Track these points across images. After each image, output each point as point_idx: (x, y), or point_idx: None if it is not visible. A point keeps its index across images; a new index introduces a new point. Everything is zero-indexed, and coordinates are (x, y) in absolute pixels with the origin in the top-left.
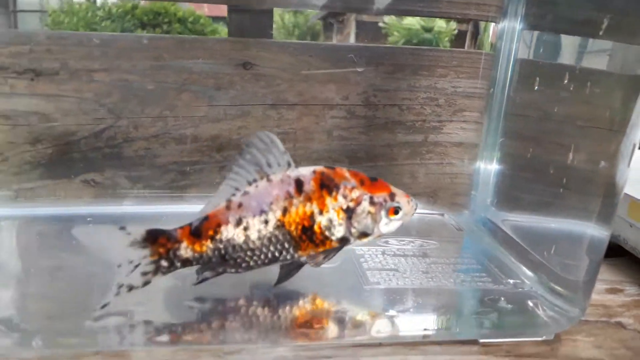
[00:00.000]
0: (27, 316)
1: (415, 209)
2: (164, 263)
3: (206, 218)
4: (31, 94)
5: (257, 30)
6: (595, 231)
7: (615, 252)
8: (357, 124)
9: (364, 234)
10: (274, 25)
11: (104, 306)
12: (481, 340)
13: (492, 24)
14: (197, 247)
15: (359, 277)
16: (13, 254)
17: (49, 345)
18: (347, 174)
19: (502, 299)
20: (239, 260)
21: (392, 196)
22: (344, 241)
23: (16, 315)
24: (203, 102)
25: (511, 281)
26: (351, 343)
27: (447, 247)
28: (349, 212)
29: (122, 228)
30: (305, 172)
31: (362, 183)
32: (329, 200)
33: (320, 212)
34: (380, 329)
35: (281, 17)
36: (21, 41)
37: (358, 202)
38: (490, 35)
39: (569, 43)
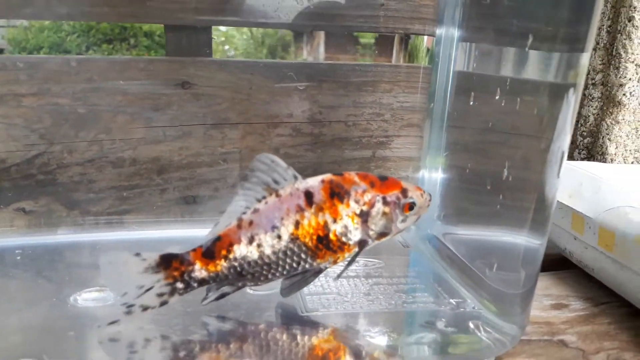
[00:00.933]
0: None
1: (430, 201)
2: (180, 285)
3: (218, 238)
4: None
5: (195, 48)
6: (529, 243)
7: (563, 265)
8: (303, 141)
9: (382, 235)
10: (243, 37)
11: (112, 323)
12: None
13: (425, 37)
14: (211, 268)
15: (297, 304)
16: None
17: None
18: (356, 178)
19: (442, 320)
20: (256, 274)
21: (404, 192)
22: (363, 244)
23: None
24: (140, 123)
25: (453, 301)
26: None
27: (392, 266)
28: (364, 216)
29: (137, 254)
30: (314, 182)
31: (372, 185)
32: (341, 208)
33: (334, 221)
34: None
35: (250, 28)
36: None
37: (371, 205)
38: (425, 46)
39: (500, 54)
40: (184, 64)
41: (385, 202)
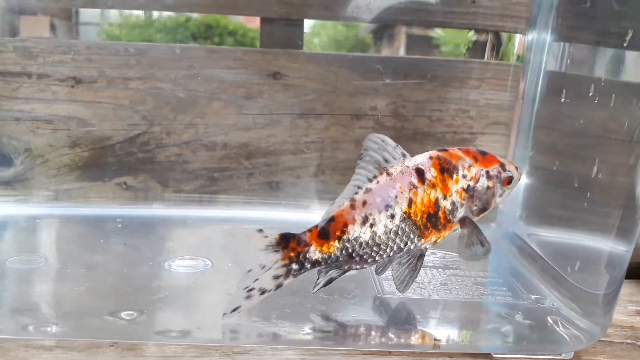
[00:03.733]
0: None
1: (522, 174)
2: (295, 266)
3: (332, 219)
4: (71, 100)
5: (287, 41)
6: (616, 246)
7: None
8: (385, 134)
9: (483, 210)
10: (325, 38)
11: (235, 310)
12: (494, 355)
13: (518, 35)
14: (325, 249)
15: (375, 286)
16: (52, 251)
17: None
18: (460, 153)
19: (520, 313)
20: (365, 256)
21: (502, 166)
22: (465, 220)
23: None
24: (233, 110)
25: (532, 296)
26: (360, 351)
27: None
28: (470, 191)
29: (260, 230)
30: (423, 159)
31: (476, 159)
32: (451, 184)
33: (444, 197)
34: (391, 338)
35: (334, 28)
36: (63, 50)
37: (477, 179)
38: (517, 46)
39: (596, 55)
40: (276, 55)
41: (488, 176)
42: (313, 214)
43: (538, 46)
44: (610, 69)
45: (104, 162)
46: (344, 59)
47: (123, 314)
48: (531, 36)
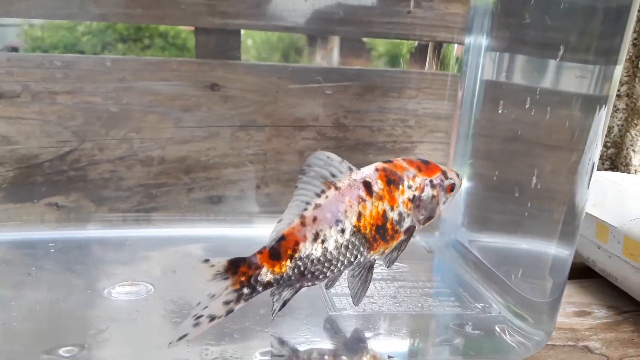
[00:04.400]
0: None
1: (462, 180)
2: (246, 290)
3: (282, 238)
4: None
5: (224, 51)
6: (558, 252)
7: (586, 274)
8: (328, 145)
9: (429, 218)
10: (257, 41)
11: (181, 338)
12: None
13: (455, 45)
14: (277, 269)
15: (325, 304)
16: None
17: None
18: (405, 164)
19: (469, 324)
20: (316, 272)
21: (445, 174)
22: (411, 230)
23: None
24: (170, 123)
25: (479, 305)
26: None
27: (416, 270)
28: (416, 201)
29: (206, 260)
30: (369, 171)
31: (419, 169)
32: (397, 195)
33: (392, 208)
34: (342, 357)
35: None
36: None
37: (422, 189)
38: (454, 56)
39: (531, 65)
40: (213, 66)
41: (432, 185)
42: (257, 229)
43: (474, 56)
44: (545, 79)
45: (31, 181)
46: (284, 70)
47: (61, 351)
48: (468, 46)
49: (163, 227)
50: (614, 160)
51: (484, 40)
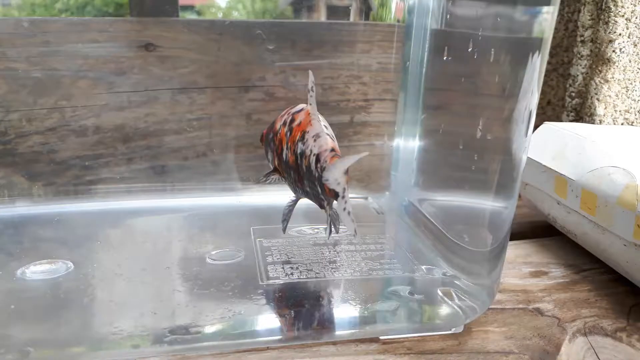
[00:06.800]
0: None
1: None
2: None
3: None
4: None
5: (159, 8)
6: (496, 205)
7: (547, 232)
8: (277, 106)
9: None
10: (243, 10)
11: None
12: (382, 338)
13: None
14: None
15: (259, 273)
16: None
17: None
18: None
19: (410, 288)
20: None
21: None
22: None
23: None
24: (103, 89)
25: (423, 267)
26: (234, 348)
27: (362, 233)
28: None
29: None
30: None
31: None
32: None
33: None
34: (268, 330)
35: (252, 3)
36: None
37: None
38: (393, 9)
39: (474, 10)
40: (147, 24)
41: None
42: (204, 199)
43: (421, 5)
44: (482, 24)
45: None
46: (222, 25)
47: None
48: None
49: (102, 200)
50: (579, 111)
51: None
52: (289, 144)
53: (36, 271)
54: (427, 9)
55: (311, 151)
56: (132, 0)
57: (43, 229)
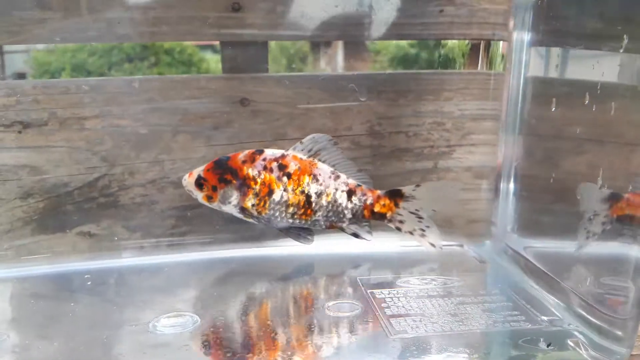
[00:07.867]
0: None
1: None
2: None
3: None
4: (19, 147)
5: (252, 64)
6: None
7: None
8: (362, 154)
9: None
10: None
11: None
12: None
13: (501, 42)
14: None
15: (383, 326)
16: (15, 321)
17: None
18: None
19: (542, 339)
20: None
21: None
22: None
23: None
24: (200, 142)
25: (545, 318)
26: None
27: (471, 283)
28: None
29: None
30: None
31: None
32: None
33: None
34: None
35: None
36: (6, 93)
37: None
38: (500, 50)
39: (581, 57)
40: (242, 80)
41: None
42: (289, 247)
43: (517, 52)
44: (600, 71)
45: (62, 211)
46: (314, 80)
47: None
48: (510, 41)
49: (197, 250)
50: None
51: (526, 35)
52: (294, 185)
53: (166, 324)
54: (522, 57)
55: (336, 189)
56: (225, 58)
57: (151, 280)
